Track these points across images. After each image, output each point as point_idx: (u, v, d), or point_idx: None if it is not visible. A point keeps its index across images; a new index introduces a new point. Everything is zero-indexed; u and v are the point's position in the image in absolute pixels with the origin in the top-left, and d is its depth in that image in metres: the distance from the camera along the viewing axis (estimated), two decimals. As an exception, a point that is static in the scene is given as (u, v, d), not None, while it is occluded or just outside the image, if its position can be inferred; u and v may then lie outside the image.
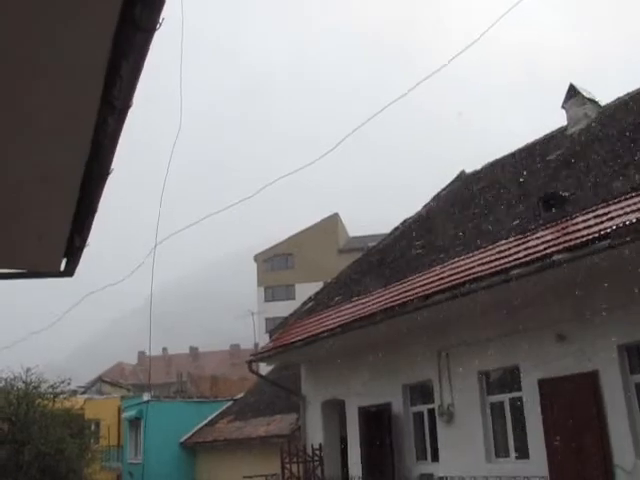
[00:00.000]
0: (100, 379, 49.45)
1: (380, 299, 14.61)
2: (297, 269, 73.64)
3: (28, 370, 23.49)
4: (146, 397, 29.68)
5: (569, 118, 17.12)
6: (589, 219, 10.56)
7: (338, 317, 15.72)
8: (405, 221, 20.92)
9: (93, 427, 31.82)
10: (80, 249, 6.42)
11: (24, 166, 4.56)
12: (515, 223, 13.07)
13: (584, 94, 16.99)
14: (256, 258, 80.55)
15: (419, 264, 15.10)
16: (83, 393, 40.72)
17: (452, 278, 12.43)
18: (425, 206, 20.97)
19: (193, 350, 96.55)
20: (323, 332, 15.69)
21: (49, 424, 22.73)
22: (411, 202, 26.74)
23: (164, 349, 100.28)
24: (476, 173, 20.60)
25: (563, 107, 17.22)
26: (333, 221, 79.05)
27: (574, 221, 10.98)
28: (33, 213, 5.51)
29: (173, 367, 79.80)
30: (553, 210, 12.05)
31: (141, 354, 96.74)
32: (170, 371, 77.35)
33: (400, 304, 13.42)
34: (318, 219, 79.74)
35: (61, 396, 23.78)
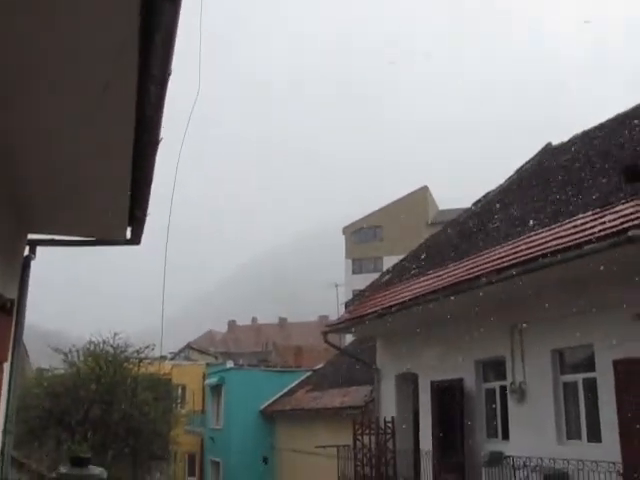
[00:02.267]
0: (189, 346, 50.93)
1: (454, 272, 14.36)
2: (385, 241, 73.25)
3: (115, 335, 24.50)
4: (229, 365, 30.44)
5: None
6: (671, 193, 10.02)
7: (411, 290, 15.56)
8: (487, 194, 20.45)
9: (180, 392, 32.97)
10: (142, 219, 6.63)
11: (76, 144, 4.76)
12: (595, 197, 12.54)
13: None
14: (345, 230, 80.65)
15: (496, 238, 14.74)
16: (172, 359, 42.17)
17: (526, 252, 12.06)
18: (508, 179, 20.41)
19: (282, 320, 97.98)
20: (395, 305, 15.58)
21: (134, 387, 23.68)
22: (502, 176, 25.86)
23: (254, 319, 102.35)
24: (562, 145, 19.85)
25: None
26: (423, 194, 78.19)
27: (656, 195, 10.44)
28: (93, 186, 5.74)
29: (262, 337, 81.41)
30: (636, 183, 11.47)
31: (231, 323, 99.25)
32: (259, 341, 79.02)
33: (472, 278, 13.15)
34: (408, 191, 79.02)
35: (146, 361, 24.69)
